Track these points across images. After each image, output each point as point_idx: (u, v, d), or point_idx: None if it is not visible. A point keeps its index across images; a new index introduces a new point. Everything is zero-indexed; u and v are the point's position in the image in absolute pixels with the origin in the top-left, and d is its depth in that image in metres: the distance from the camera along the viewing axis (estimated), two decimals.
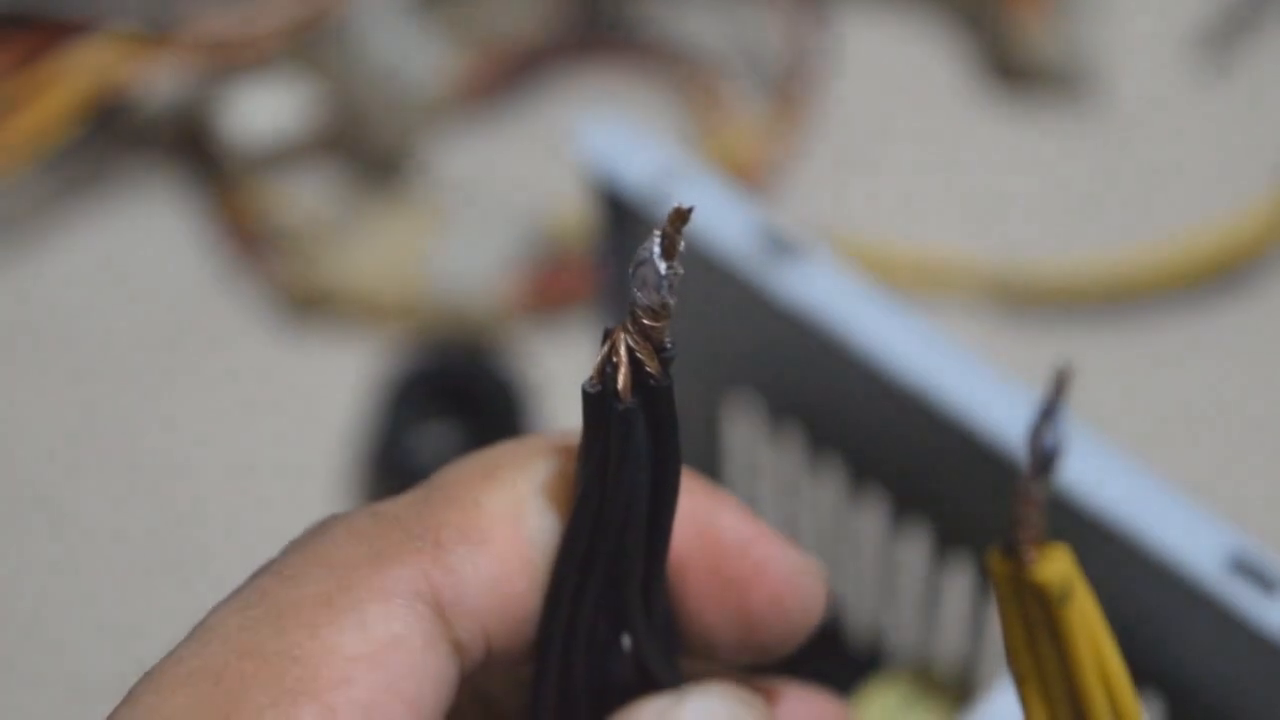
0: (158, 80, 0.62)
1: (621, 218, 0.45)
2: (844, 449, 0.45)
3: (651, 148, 0.45)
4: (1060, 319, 0.59)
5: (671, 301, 0.25)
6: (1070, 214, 0.62)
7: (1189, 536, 0.38)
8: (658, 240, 0.24)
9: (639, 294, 0.25)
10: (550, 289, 0.59)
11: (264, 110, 0.62)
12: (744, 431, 0.47)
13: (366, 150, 0.62)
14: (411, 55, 0.61)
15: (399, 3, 0.61)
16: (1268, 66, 0.65)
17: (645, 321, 0.25)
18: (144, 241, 0.62)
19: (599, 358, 0.26)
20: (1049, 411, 0.21)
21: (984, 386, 0.41)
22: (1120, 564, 0.39)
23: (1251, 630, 0.37)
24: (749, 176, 0.61)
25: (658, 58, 0.65)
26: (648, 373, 0.26)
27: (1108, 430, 0.55)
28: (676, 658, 0.30)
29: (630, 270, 0.25)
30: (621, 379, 0.25)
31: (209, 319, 0.61)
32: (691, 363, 0.48)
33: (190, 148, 0.63)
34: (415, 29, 0.62)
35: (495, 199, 0.61)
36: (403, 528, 0.27)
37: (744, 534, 0.29)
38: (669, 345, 0.26)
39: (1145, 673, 0.41)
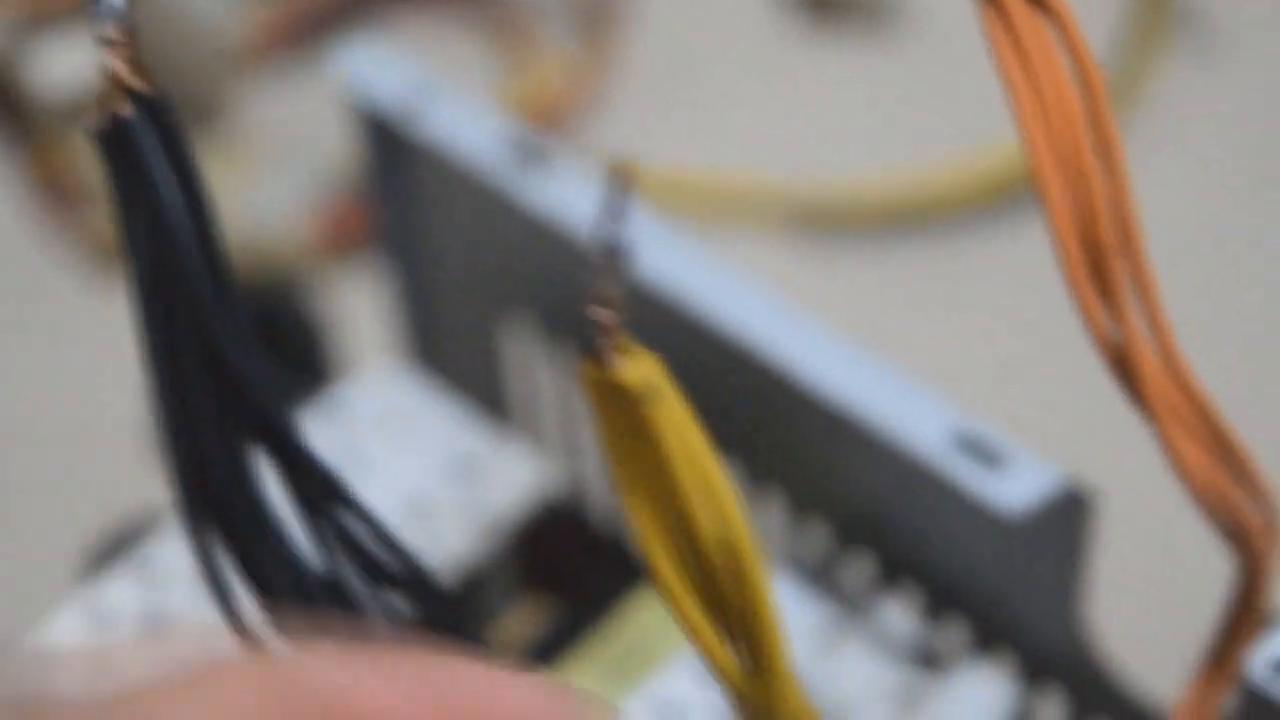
0: None
1: (381, 140, 0.46)
2: None
3: (405, 68, 0.45)
4: (867, 244, 0.60)
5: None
6: (882, 141, 0.63)
7: (914, 417, 0.39)
8: None
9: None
10: (349, 230, 0.59)
11: (72, 61, 0.62)
12: (522, 351, 0.48)
13: (175, 99, 0.63)
14: (215, 3, 0.61)
15: None
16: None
17: (113, 38, 0.26)
18: None
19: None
20: (611, 208, 0.21)
21: (735, 290, 0.41)
22: (857, 449, 0.40)
23: (976, 504, 0.38)
24: (559, 113, 0.62)
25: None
26: (132, 89, 0.26)
27: (909, 350, 0.55)
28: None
29: None
30: (105, 95, 0.26)
31: (19, 271, 0.61)
32: (463, 286, 0.48)
33: None
34: None
35: (301, 144, 0.61)
36: None
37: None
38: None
39: (897, 558, 0.42)
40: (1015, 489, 0.38)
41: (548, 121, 0.61)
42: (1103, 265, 0.29)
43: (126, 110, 0.26)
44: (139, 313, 0.28)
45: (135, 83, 0.26)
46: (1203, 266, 0.60)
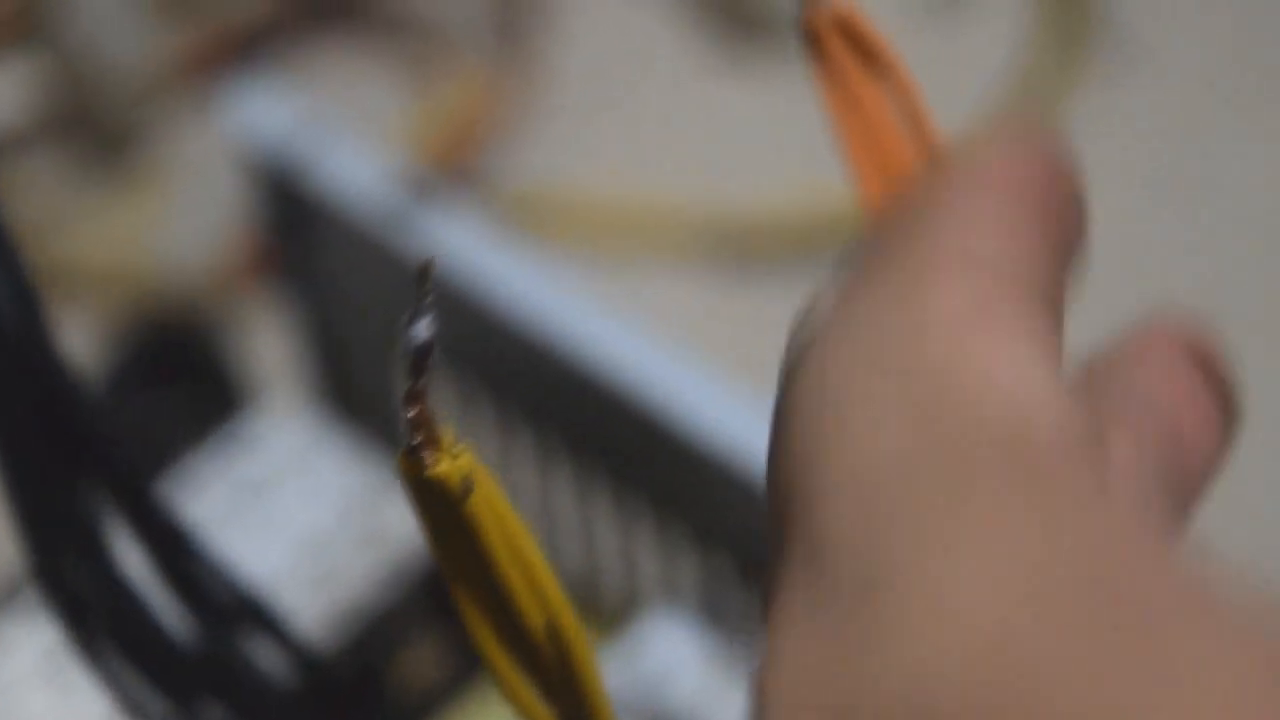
0: None
1: (273, 191, 0.46)
2: (493, 399, 0.45)
3: (295, 112, 0.45)
4: (782, 268, 0.60)
5: None
6: (800, 164, 0.63)
7: None
8: None
9: None
10: (264, 260, 0.59)
11: None
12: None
13: (92, 130, 0.63)
14: (131, 35, 0.61)
15: None
16: (988, 13, 0.66)
17: None
18: None
19: None
20: (417, 309, 0.21)
21: (607, 329, 0.42)
22: (745, 487, 0.40)
23: None
24: (473, 137, 0.62)
25: (383, 25, 0.65)
26: None
27: None
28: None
29: None
30: None
31: None
32: (363, 327, 0.48)
33: None
34: (135, 8, 0.62)
35: (219, 175, 0.61)
36: None
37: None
38: None
39: None
40: None
41: (462, 145, 0.61)
42: None
43: None
44: None
45: None
46: (1121, 274, 0.60)
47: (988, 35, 0.65)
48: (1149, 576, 0.19)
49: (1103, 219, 0.63)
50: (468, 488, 0.22)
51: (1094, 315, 0.59)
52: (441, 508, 0.23)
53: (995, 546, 0.19)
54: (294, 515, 0.47)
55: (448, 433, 0.22)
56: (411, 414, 0.22)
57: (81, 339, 0.59)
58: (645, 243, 0.60)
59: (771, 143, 0.63)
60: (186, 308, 0.59)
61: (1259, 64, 0.64)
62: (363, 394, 0.49)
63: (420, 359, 0.21)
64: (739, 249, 0.60)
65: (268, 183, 0.45)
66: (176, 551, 0.30)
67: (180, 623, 0.30)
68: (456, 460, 0.22)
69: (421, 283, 0.21)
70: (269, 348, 0.57)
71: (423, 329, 0.21)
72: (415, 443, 0.22)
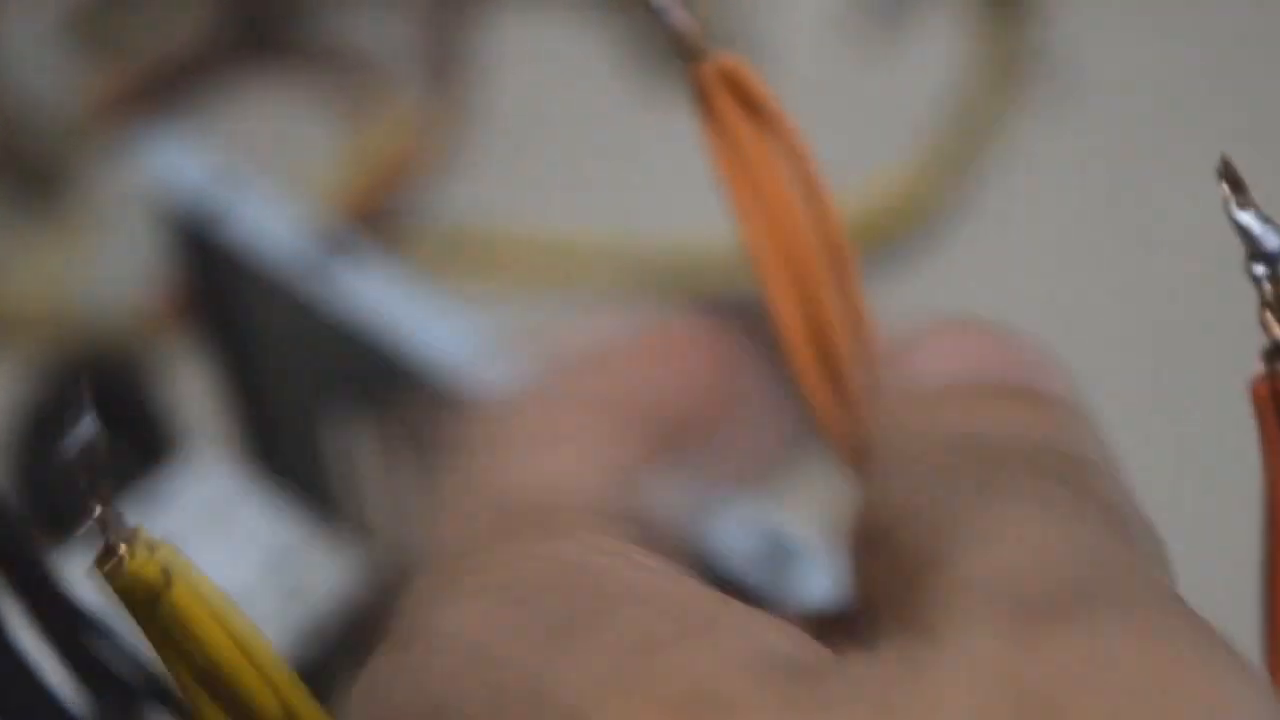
0: None
1: (186, 242, 0.45)
2: (415, 449, 0.45)
3: (208, 164, 0.44)
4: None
5: None
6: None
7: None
8: None
9: None
10: (190, 307, 0.59)
11: None
12: (346, 446, 0.47)
13: (15, 170, 0.62)
14: (55, 73, 0.61)
15: (42, 21, 0.61)
16: (924, 40, 0.65)
17: None
18: None
19: None
20: (75, 412, 0.21)
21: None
22: None
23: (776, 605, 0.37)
24: (407, 170, 0.61)
25: (312, 60, 0.65)
26: None
27: None
28: None
29: None
30: None
31: None
32: (282, 380, 0.47)
33: None
34: (57, 45, 0.62)
35: (144, 216, 0.61)
36: None
37: None
38: None
39: None
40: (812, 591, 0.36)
41: (392, 181, 0.61)
42: (838, 373, 0.28)
43: None
44: None
45: None
46: (1058, 298, 0.59)
47: (924, 62, 0.64)
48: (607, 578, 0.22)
49: (1037, 244, 0.62)
50: (165, 581, 0.22)
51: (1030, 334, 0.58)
52: (150, 605, 0.22)
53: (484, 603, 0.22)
54: (214, 570, 0.46)
55: (137, 530, 0.22)
56: (95, 514, 0.21)
57: (2, 381, 0.59)
58: (577, 278, 0.60)
59: (705, 180, 0.62)
60: (112, 351, 0.59)
61: (1194, 91, 0.63)
62: (284, 444, 0.49)
63: (89, 460, 0.21)
64: (675, 286, 0.60)
65: (182, 232, 0.45)
66: (74, 627, 0.29)
67: (79, 700, 0.29)
68: (151, 555, 0.22)
69: (75, 386, 0.21)
70: (194, 392, 0.57)
71: (84, 430, 0.21)
72: (107, 542, 0.22)
